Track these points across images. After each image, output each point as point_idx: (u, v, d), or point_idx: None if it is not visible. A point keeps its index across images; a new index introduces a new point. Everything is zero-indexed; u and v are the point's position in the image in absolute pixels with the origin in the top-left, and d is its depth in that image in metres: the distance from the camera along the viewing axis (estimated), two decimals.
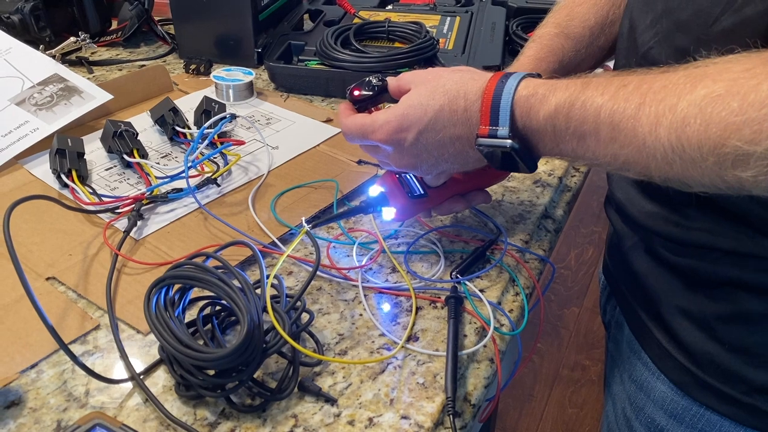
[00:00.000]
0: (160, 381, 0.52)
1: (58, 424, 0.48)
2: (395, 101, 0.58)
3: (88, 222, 0.68)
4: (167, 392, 0.51)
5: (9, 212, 0.54)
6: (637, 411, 0.62)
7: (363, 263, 0.65)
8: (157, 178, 0.74)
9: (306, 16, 1.19)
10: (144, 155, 0.78)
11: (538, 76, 0.52)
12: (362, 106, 0.61)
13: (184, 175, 0.70)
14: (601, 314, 0.78)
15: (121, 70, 1.06)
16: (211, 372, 0.49)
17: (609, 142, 0.45)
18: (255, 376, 0.50)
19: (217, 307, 0.56)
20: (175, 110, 0.84)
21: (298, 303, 0.53)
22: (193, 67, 1.03)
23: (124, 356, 0.53)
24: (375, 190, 0.63)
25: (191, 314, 0.56)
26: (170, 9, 1.06)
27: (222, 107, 0.85)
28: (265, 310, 0.50)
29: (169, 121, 0.82)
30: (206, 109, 0.84)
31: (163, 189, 0.72)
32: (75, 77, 0.88)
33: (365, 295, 0.61)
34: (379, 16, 1.14)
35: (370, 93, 0.60)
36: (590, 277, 2.27)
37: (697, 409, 0.56)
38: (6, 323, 0.56)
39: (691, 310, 0.54)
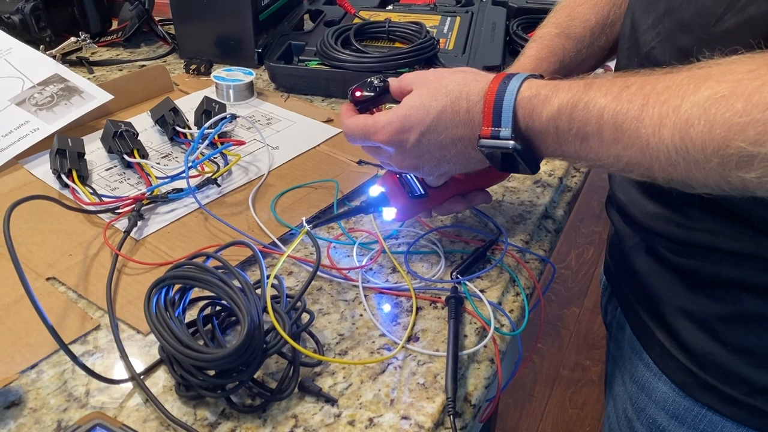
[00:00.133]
0: (161, 381, 0.52)
1: (58, 424, 0.48)
2: (397, 102, 0.58)
3: (89, 222, 0.68)
4: (167, 392, 0.51)
5: (9, 212, 0.54)
6: (639, 412, 0.62)
7: (363, 263, 0.65)
8: (157, 178, 0.74)
9: (306, 16, 1.19)
10: (144, 155, 0.78)
11: (541, 77, 0.52)
12: (364, 107, 0.61)
13: (184, 175, 0.70)
14: (602, 315, 0.78)
15: (121, 70, 1.06)
16: (212, 372, 0.49)
17: (612, 144, 0.45)
18: (255, 376, 0.50)
19: (218, 308, 0.56)
20: (176, 110, 0.84)
21: (299, 303, 0.53)
22: (193, 67, 1.03)
23: (124, 356, 0.53)
24: (375, 190, 0.63)
25: (191, 314, 0.56)
26: (170, 9, 1.06)
27: (222, 107, 0.85)
28: (265, 310, 0.50)
29: (169, 121, 0.82)
30: (206, 110, 0.84)
31: (164, 189, 0.72)
32: (75, 77, 0.88)
33: (365, 296, 0.61)
34: (380, 16, 1.14)
35: (372, 94, 0.60)
36: (591, 278, 2.27)
37: (698, 409, 0.56)
38: (6, 323, 0.56)
39: (692, 310, 0.54)
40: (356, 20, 1.11)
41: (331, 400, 0.51)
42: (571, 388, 1.86)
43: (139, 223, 0.68)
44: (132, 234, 0.66)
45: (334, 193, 0.73)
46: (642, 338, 0.61)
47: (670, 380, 0.58)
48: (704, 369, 0.54)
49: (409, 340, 0.56)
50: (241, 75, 0.95)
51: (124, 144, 0.77)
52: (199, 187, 0.72)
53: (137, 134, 0.80)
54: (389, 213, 0.63)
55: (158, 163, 0.79)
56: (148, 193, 0.71)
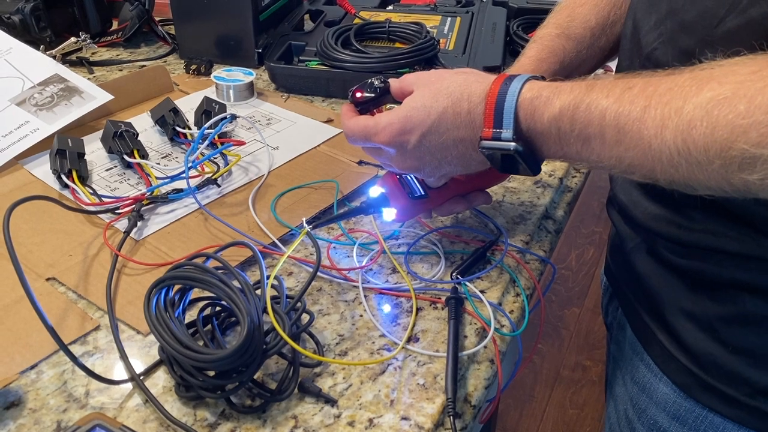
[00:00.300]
0: (160, 382, 0.52)
1: (58, 424, 0.48)
2: (397, 103, 0.57)
3: (89, 222, 0.68)
4: (167, 393, 0.51)
5: (9, 213, 0.54)
6: (640, 413, 0.62)
7: (363, 264, 0.64)
8: (157, 178, 0.74)
9: (306, 16, 1.19)
10: (144, 156, 0.78)
11: (542, 78, 0.52)
12: (364, 107, 0.61)
13: (184, 175, 0.70)
14: (603, 315, 0.78)
15: (121, 70, 1.06)
16: (211, 373, 0.49)
17: (614, 145, 0.45)
18: (255, 377, 0.50)
19: (217, 308, 0.56)
20: (176, 110, 0.84)
21: (299, 304, 0.53)
22: (193, 67, 1.03)
23: (124, 357, 0.53)
24: (375, 191, 0.63)
25: (191, 315, 0.56)
26: (171, 9, 1.06)
27: (222, 108, 0.85)
28: (265, 310, 0.50)
29: (169, 122, 0.82)
30: (206, 110, 0.84)
31: (164, 189, 0.72)
32: (75, 77, 0.88)
33: (365, 296, 0.61)
34: (380, 16, 1.14)
35: (372, 95, 0.60)
36: (591, 278, 2.27)
37: (699, 410, 0.56)
38: (6, 324, 0.56)
39: (694, 311, 0.54)
40: (356, 20, 1.11)
41: (330, 401, 0.51)
42: (572, 389, 1.86)
43: (139, 223, 0.67)
44: (132, 234, 0.66)
45: (335, 194, 0.73)
46: (643, 339, 0.61)
47: (671, 381, 0.57)
48: (705, 370, 0.54)
49: (409, 340, 0.56)
50: (241, 75, 0.95)
51: (124, 144, 0.77)
52: (199, 187, 0.72)
53: (137, 134, 0.80)
54: (389, 213, 0.63)
55: (158, 164, 0.79)
56: (148, 194, 0.70)
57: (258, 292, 0.51)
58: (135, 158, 0.76)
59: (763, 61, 0.39)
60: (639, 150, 0.43)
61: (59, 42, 1.06)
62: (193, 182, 0.72)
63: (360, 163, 0.79)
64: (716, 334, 0.53)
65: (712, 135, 0.39)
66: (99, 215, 0.69)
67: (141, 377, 0.52)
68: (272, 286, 0.53)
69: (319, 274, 0.61)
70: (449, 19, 1.13)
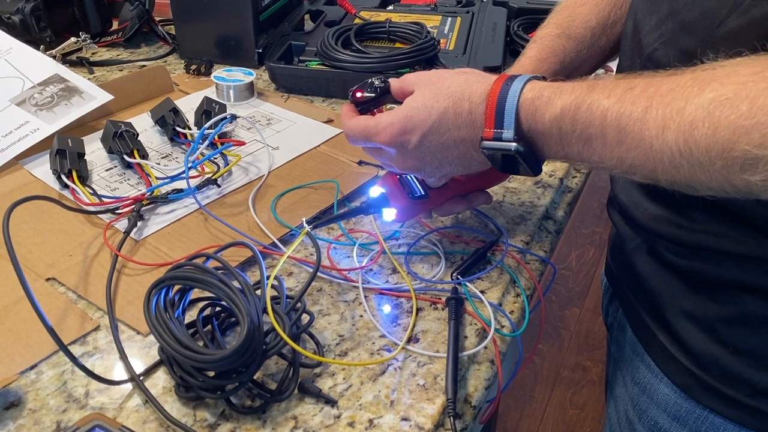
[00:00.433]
0: (160, 382, 0.52)
1: (57, 425, 0.48)
2: (398, 103, 0.57)
3: (89, 223, 0.68)
4: (167, 393, 0.51)
5: (9, 213, 0.54)
6: (640, 413, 0.62)
7: (363, 264, 0.64)
8: (157, 178, 0.74)
9: (307, 16, 1.19)
10: (144, 156, 0.77)
11: (543, 78, 0.52)
12: (365, 107, 0.61)
13: (184, 175, 0.70)
14: (603, 316, 0.77)
15: (121, 70, 1.06)
16: (211, 373, 0.49)
17: (615, 146, 0.45)
18: (255, 377, 0.50)
19: (217, 308, 0.55)
20: (176, 111, 0.84)
21: (299, 304, 0.53)
22: (193, 67, 1.03)
23: (123, 357, 0.53)
24: (375, 191, 0.63)
25: (191, 315, 0.56)
26: (171, 9, 1.06)
27: (222, 108, 0.85)
28: (265, 311, 0.50)
29: (169, 122, 0.82)
30: (207, 110, 0.84)
31: (164, 189, 0.72)
32: (75, 77, 0.88)
33: (366, 296, 0.61)
34: (380, 16, 1.14)
35: (373, 95, 0.60)
36: (591, 278, 2.27)
37: (700, 411, 0.56)
38: (6, 324, 0.56)
39: (694, 312, 0.54)
40: (357, 20, 1.11)
41: (330, 402, 0.51)
42: (572, 389, 1.86)
43: (139, 223, 0.67)
44: (132, 234, 0.66)
45: (335, 194, 0.73)
46: (643, 340, 0.61)
47: (672, 382, 0.57)
48: (706, 371, 0.54)
49: (409, 341, 0.56)
50: (241, 75, 0.95)
51: (124, 144, 0.77)
52: (199, 187, 0.72)
53: (137, 134, 0.80)
54: (389, 214, 0.63)
55: (158, 164, 0.79)
56: (148, 194, 0.70)
57: (258, 292, 0.51)
58: (135, 158, 0.76)
59: (765, 61, 0.39)
60: (640, 150, 0.43)
61: (59, 42, 1.06)
62: (193, 182, 0.72)
63: (360, 163, 0.79)
64: (717, 334, 0.53)
65: (713, 136, 0.39)
66: (99, 215, 0.69)
67: (141, 378, 0.52)
68: (272, 287, 0.53)
69: (319, 274, 0.61)
70: (449, 19, 1.13)
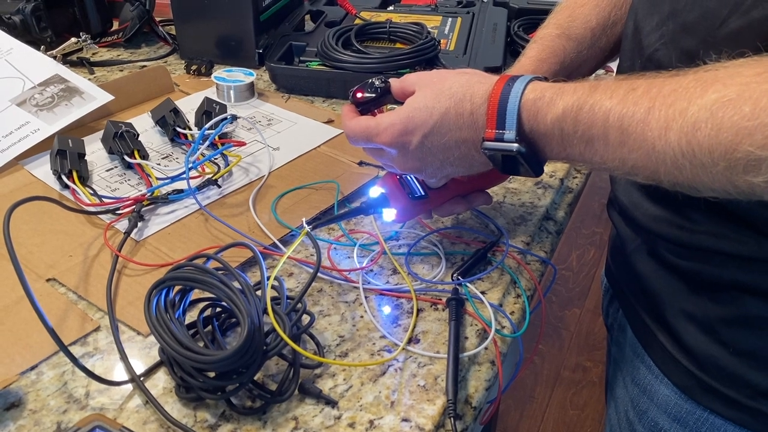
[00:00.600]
0: (161, 383, 0.52)
1: (58, 426, 0.48)
2: (398, 103, 0.57)
3: (89, 223, 0.68)
4: (167, 394, 0.51)
5: (9, 213, 0.54)
6: (641, 414, 0.62)
7: (364, 265, 0.64)
8: (157, 179, 0.74)
9: (307, 16, 1.19)
10: (145, 156, 0.77)
11: (545, 79, 0.52)
12: (365, 108, 0.61)
13: (184, 176, 0.70)
14: (603, 317, 0.77)
15: (122, 70, 1.06)
16: (212, 374, 0.49)
17: (617, 147, 0.45)
18: (255, 378, 0.50)
19: (218, 309, 0.55)
20: (176, 111, 0.84)
21: (299, 305, 0.53)
22: (194, 67, 1.03)
23: (124, 358, 0.53)
24: (375, 191, 0.63)
25: (192, 316, 0.56)
26: (171, 10, 1.06)
27: (223, 108, 0.85)
28: (265, 311, 0.50)
29: (170, 122, 0.82)
30: (207, 110, 0.84)
31: (164, 190, 0.72)
32: (76, 78, 0.88)
33: (366, 297, 0.61)
34: (381, 16, 1.14)
35: (373, 95, 0.60)
36: (591, 278, 2.26)
37: (700, 412, 0.56)
38: (6, 324, 0.56)
39: (695, 313, 0.54)
40: (357, 21, 1.11)
41: (331, 402, 0.51)
42: (572, 390, 1.86)
43: (140, 224, 0.67)
44: (132, 235, 0.66)
45: (335, 194, 0.73)
46: (644, 341, 0.61)
47: (672, 383, 0.57)
48: (706, 372, 0.54)
49: (409, 341, 0.56)
50: (241, 76, 0.95)
51: (124, 145, 0.77)
52: (199, 188, 0.72)
53: (138, 135, 0.80)
54: (389, 214, 0.63)
55: (159, 164, 0.79)
56: (149, 194, 0.70)
57: (258, 293, 0.51)
58: (135, 159, 0.76)
59: None
60: (643, 151, 0.43)
61: (60, 42, 1.06)
62: (194, 183, 0.72)
63: (360, 163, 0.79)
64: (717, 335, 0.53)
65: (716, 137, 0.39)
66: (99, 216, 0.69)
67: (141, 378, 0.52)
68: (273, 287, 0.53)
69: (319, 275, 0.61)
70: (450, 19, 1.13)
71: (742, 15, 0.43)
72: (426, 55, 0.94)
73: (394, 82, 0.59)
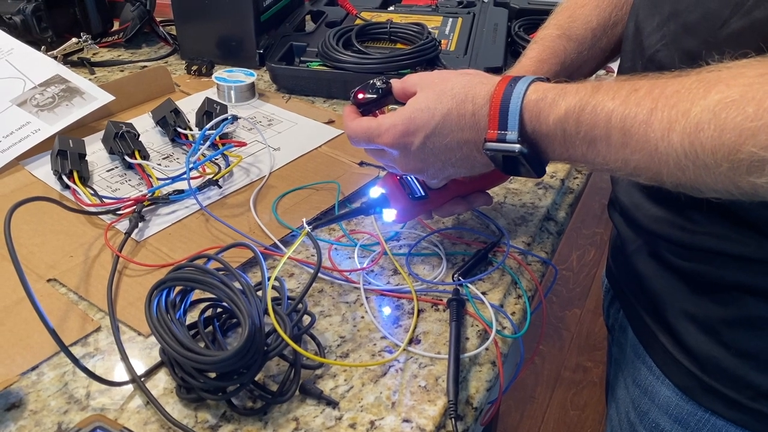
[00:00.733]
0: (161, 383, 0.52)
1: (58, 426, 0.48)
2: (400, 104, 0.57)
3: (90, 223, 0.68)
4: (168, 395, 0.51)
5: (10, 214, 0.54)
6: (642, 416, 0.62)
7: (365, 265, 0.64)
8: (158, 179, 0.74)
9: (308, 17, 1.19)
10: (145, 156, 0.77)
11: (547, 80, 0.51)
12: (366, 109, 0.61)
13: (185, 176, 0.70)
14: (604, 317, 0.77)
15: (122, 71, 1.06)
16: (213, 375, 0.49)
17: (620, 148, 0.45)
18: (256, 378, 0.50)
19: (219, 309, 0.55)
20: (177, 111, 0.84)
21: (300, 305, 0.53)
22: (194, 68, 1.03)
23: (125, 358, 0.53)
24: (376, 192, 0.63)
25: (192, 316, 0.56)
26: (172, 10, 1.05)
27: (224, 108, 0.85)
28: (266, 312, 0.50)
29: (170, 123, 0.82)
30: (208, 111, 0.84)
31: (165, 190, 0.72)
32: (76, 78, 0.88)
33: (367, 298, 0.61)
34: (381, 17, 1.14)
35: (375, 96, 0.60)
36: (592, 279, 2.26)
37: (702, 414, 0.56)
38: (7, 325, 0.56)
39: (696, 314, 0.54)
40: (358, 21, 1.11)
41: (332, 403, 0.51)
42: (573, 390, 1.86)
43: (140, 224, 0.67)
44: (133, 235, 0.66)
45: (336, 195, 0.73)
46: (645, 341, 0.61)
47: (674, 384, 0.57)
48: (708, 373, 0.54)
49: (410, 342, 0.56)
50: (242, 76, 0.95)
51: (125, 145, 0.77)
52: (200, 188, 0.72)
53: (138, 135, 0.80)
54: (390, 214, 0.63)
55: (159, 165, 0.79)
56: (149, 195, 0.70)
57: (259, 293, 0.51)
58: (136, 159, 0.76)
59: None
60: (645, 152, 0.43)
61: (60, 42, 1.06)
62: (195, 183, 0.72)
63: (361, 164, 0.79)
64: (719, 336, 0.53)
65: (719, 138, 0.39)
66: (100, 216, 0.69)
67: (142, 379, 0.52)
68: (273, 288, 0.53)
69: (320, 275, 0.61)
70: (450, 19, 1.13)
71: (744, 15, 0.43)
72: (427, 56, 0.94)
73: (396, 83, 0.59)
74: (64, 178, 0.72)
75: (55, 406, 0.50)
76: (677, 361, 0.56)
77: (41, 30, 1.06)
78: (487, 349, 0.56)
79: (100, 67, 1.07)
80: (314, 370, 0.53)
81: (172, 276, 0.52)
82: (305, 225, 0.58)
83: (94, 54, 1.12)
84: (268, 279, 0.52)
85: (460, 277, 0.62)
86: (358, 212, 0.64)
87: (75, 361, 0.49)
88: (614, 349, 0.71)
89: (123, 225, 0.67)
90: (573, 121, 0.47)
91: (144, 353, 0.54)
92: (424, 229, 0.70)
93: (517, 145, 0.50)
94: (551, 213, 0.75)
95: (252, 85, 0.95)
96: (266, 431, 0.48)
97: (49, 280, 0.61)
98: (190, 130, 0.82)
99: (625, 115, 0.44)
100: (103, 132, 0.80)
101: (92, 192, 0.71)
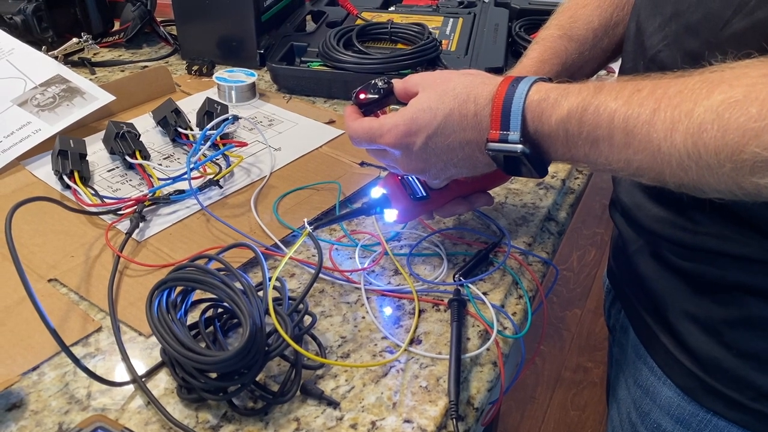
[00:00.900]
0: (162, 383, 0.52)
1: (59, 426, 0.48)
2: (401, 104, 0.57)
3: (90, 224, 0.68)
4: (169, 395, 0.51)
5: (11, 214, 0.54)
6: (643, 416, 0.62)
7: (366, 266, 0.64)
8: (159, 179, 0.74)
9: (308, 17, 1.19)
10: (146, 156, 0.77)
11: (549, 80, 0.51)
12: (368, 109, 0.61)
13: (186, 176, 0.70)
14: (605, 318, 0.77)
15: (123, 71, 1.06)
16: (213, 375, 0.48)
17: (623, 148, 0.45)
18: (257, 379, 0.50)
19: (220, 310, 0.55)
20: (178, 111, 0.84)
21: (301, 305, 0.53)
22: (195, 68, 1.03)
23: (125, 359, 0.53)
24: (377, 192, 0.63)
25: (193, 317, 0.56)
26: (173, 10, 1.05)
27: (224, 108, 0.85)
28: (267, 312, 0.50)
29: (171, 123, 0.82)
30: (208, 111, 0.84)
31: (166, 190, 0.72)
32: (77, 78, 0.88)
33: (368, 298, 0.61)
34: (382, 17, 1.14)
35: (376, 96, 0.60)
36: (593, 279, 2.26)
37: (703, 414, 0.55)
38: (8, 325, 0.56)
39: (698, 314, 0.54)
40: (358, 21, 1.11)
41: (333, 403, 0.50)
42: (573, 390, 1.86)
43: (141, 224, 0.67)
44: (134, 235, 0.66)
45: (336, 195, 0.73)
46: (646, 342, 0.61)
47: (675, 385, 0.57)
48: (709, 373, 0.54)
49: (411, 342, 0.56)
50: (243, 76, 0.95)
51: (126, 145, 0.77)
52: (201, 188, 0.72)
53: (139, 135, 0.80)
54: (391, 215, 0.63)
55: (160, 165, 0.79)
56: (150, 195, 0.70)
57: (260, 293, 0.51)
58: (137, 159, 0.76)
59: None
60: (648, 153, 0.43)
61: (61, 42, 1.06)
62: (195, 183, 0.72)
63: (362, 164, 0.79)
64: (720, 337, 0.53)
65: (723, 138, 0.39)
66: (101, 216, 0.69)
67: (143, 379, 0.51)
68: (274, 288, 0.53)
69: (321, 275, 0.61)
70: (451, 20, 1.13)
71: (746, 16, 0.43)
72: (427, 56, 0.94)
73: (397, 83, 0.59)
74: (65, 178, 0.72)
75: (56, 407, 0.50)
76: (679, 362, 0.56)
77: (42, 30, 1.06)
78: (488, 349, 0.56)
79: (101, 67, 1.07)
80: (315, 371, 0.53)
81: (173, 276, 0.52)
82: (306, 225, 0.58)
83: (94, 54, 1.12)
84: (269, 279, 0.52)
85: (461, 278, 0.62)
86: (359, 212, 0.64)
87: (76, 361, 0.49)
88: (615, 349, 0.71)
89: (124, 225, 0.67)
90: (575, 122, 0.47)
91: (145, 353, 0.54)
92: (425, 230, 0.70)
93: (520, 146, 0.50)
94: (552, 213, 0.75)
95: (253, 85, 0.95)
96: None
97: (50, 280, 0.61)
98: (191, 130, 0.82)
99: (628, 116, 0.44)
100: (103, 132, 0.80)
101: (93, 192, 0.71)
